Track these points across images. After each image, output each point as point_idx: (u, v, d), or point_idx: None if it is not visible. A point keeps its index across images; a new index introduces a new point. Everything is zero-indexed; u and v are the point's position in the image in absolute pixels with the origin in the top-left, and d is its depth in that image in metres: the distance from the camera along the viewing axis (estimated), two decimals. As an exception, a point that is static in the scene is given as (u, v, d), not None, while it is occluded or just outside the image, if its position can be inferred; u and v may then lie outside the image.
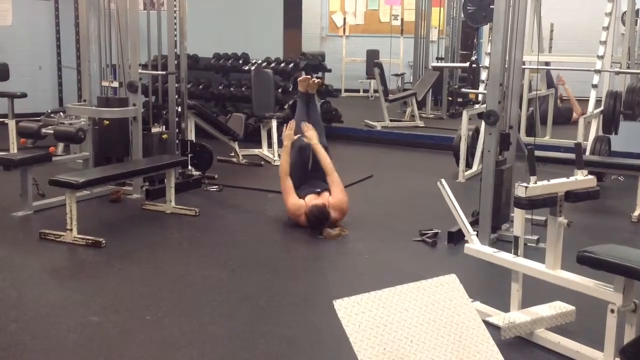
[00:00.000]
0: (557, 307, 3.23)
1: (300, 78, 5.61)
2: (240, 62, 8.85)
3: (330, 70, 9.77)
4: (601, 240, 3.29)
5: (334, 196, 4.84)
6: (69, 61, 9.69)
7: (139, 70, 5.71)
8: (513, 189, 3.39)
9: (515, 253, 3.26)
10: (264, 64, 8.72)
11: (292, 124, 5.18)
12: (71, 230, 4.38)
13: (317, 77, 5.68)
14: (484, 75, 7.33)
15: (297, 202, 4.80)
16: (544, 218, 3.38)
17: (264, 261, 4.26)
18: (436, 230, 4.69)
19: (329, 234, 4.61)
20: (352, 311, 2.15)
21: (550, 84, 9.33)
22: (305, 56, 9.39)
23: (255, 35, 9.88)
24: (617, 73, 7.43)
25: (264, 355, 2.99)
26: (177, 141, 5.97)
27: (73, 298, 3.61)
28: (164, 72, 6.01)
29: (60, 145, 6.74)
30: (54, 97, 9.77)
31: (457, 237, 4.47)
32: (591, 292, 2.85)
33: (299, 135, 5.11)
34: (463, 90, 10.18)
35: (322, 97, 8.80)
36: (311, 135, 5.08)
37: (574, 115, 10.07)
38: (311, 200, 4.80)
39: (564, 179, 3.12)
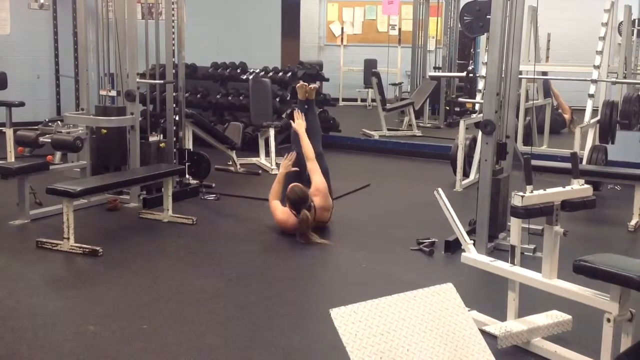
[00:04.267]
0: (553, 316, 3.23)
1: (297, 85, 5.65)
2: (238, 71, 8.87)
3: (328, 80, 9.79)
4: (598, 249, 3.31)
5: (314, 181, 4.93)
6: (67, 70, 9.69)
7: (137, 79, 5.72)
8: (510, 198, 3.40)
9: (512, 262, 3.27)
10: (262, 73, 8.74)
11: (292, 155, 5.22)
12: (68, 239, 4.38)
13: (314, 84, 5.71)
14: (481, 84, 7.35)
15: (284, 210, 4.85)
16: (540, 227, 3.39)
17: (261, 270, 4.26)
18: (433, 239, 4.69)
19: (308, 239, 4.64)
20: (349, 320, 2.15)
21: (547, 93, 9.36)
22: (303, 65, 9.42)
23: (254, 45, 9.91)
24: (614, 83, 7.47)
25: (261, 364, 2.99)
26: (174, 150, 5.97)
27: (70, 307, 3.60)
28: (162, 81, 6.02)
29: (58, 154, 6.74)
30: (52, 105, 9.77)
31: (454, 246, 4.48)
32: (587, 301, 2.85)
33: (296, 169, 5.16)
34: (460, 99, 10.22)
35: (319, 106, 8.82)
36: (299, 124, 5.24)
37: (566, 116, 10.14)
38: None
39: (560, 188, 3.13)
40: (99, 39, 5.83)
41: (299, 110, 5.38)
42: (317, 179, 4.97)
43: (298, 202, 4.73)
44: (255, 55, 9.40)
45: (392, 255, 4.56)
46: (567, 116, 10.23)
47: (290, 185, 4.86)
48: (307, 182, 5.05)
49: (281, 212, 4.88)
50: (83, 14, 5.76)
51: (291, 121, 5.40)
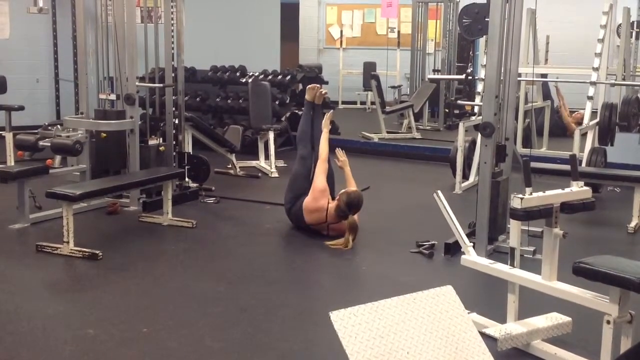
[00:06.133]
0: (553, 319, 3.23)
1: (309, 86, 5.64)
2: (238, 74, 8.88)
3: (327, 82, 9.78)
4: (597, 251, 3.31)
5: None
6: (67, 74, 9.69)
7: (137, 83, 5.73)
8: (509, 200, 3.40)
9: (512, 264, 3.27)
10: (262, 76, 8.75)
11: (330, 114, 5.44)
12: (68, 242, 4.38)
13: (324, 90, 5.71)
14: (480, 87, 7.35)
15: (325, 185, 4.96)
16: (540, 229, 3.40)
17: (261, 273, 4.26)
18: (433, 242, 4.69)
19: (337, 243, 4.68)
20: (349, 322, 2.15)
21: (546, 95, 9.36)
22: (303, 68, 9.42)
23: (253, 48, 9.92)
24: (613, 85, 7.47)
25: (261, 367, 2.99)
26: (174, 153, 5.98)
27: (69, 311, 3.60)
28: (162, 85, 6.03)
29: (58, 158, 6.74)
30: (51, 109, 9.77)
31: (453, 249, 4.48)
32: (587, 303, 2.85)
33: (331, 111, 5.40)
34: (459, 102, 10.21)
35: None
36: (345, 162, 5.32)
37: (568, 133, 10.10)
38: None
39: (559, 190, 3.13)
40: (98, 42, 5.84)
41: (340, 150, 5.43)
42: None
43: (354, 206, 4.78)
44: (254, 58, 9.41)
45: (392, 258, 4.56)
46: (568, 133, 10.15)
47: (351, 191, 4.86)
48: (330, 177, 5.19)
49: (322, 185, 4.96)
50: (82, 18, 5.76)
51: (337, 159, 5.35)
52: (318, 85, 5.61)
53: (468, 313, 2.50)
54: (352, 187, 5.11)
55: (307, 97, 5.54)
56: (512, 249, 3.29)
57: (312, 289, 4.07)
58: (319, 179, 4.99)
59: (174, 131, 5.98)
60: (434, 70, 11.74)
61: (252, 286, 4.00)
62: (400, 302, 2.30)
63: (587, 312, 2.89)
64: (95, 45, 5.87)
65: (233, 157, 7.10)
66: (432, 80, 11.10)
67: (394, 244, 4.83)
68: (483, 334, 2.81)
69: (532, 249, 4.42)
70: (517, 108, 6.68)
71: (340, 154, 5.36)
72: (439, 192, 3.50)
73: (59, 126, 6.70)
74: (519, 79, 5.70)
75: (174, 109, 5.98)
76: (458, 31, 10.56)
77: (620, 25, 8.51)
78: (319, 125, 5.44)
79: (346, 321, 2.15)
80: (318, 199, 4.90)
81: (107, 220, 5.35)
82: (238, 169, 7.13)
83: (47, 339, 3.22)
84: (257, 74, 8.81)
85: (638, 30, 8.46)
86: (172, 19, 6.00)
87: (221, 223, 5.44)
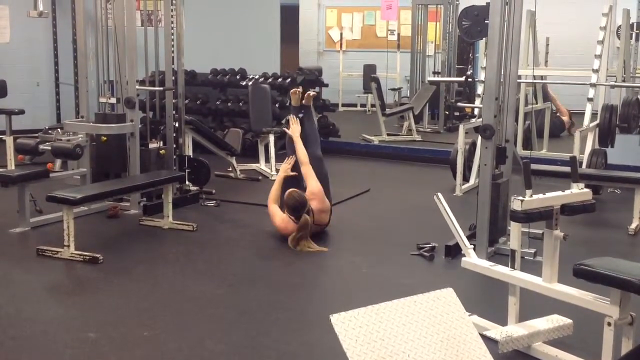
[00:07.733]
0: (554, 321, 3.23)
1: (291, 91, 5.66)
2: (238, 77, 8.88)
3: (327, 85, 9.81)
4: (598, 253, 3.31)
5: (309, 185, 4.94)
6: (67, 77, 9.70)
7: (137, 86, 5.73)
8: (510, 202, 3.40)
9: (512, 266, 3.27)
10: (261, 79, 8.75)
11: (292, 159, 5.24)
12: (68, 246, 4.38)
13: (313, 91, 5.70)
14: (480, 89, 7.35)
15: (283, 217, 4.85)
16: (540, 231, 3.40)
17: (261, 276, 4.26)
18: (433, 244, 4.69)
19: (302, 246, 4.64)
20: (349, 325, 2.15)
21: (546, 97, 9.37)
22: (303, 71, 9.43)
23: (253, 51, 9.92)
24: (613, 86, 7.47)
25: (262, 370, 2.99)
26: (174, 156, 5.98)
27: (70, 314, 3.60)
28: (162, 88, 6.03)
29: (58, 162, 6.74)
30: (51, 113, 9.77)
31: (454, 251, 4.48)
32: (588, 305, 2.85)
33: (295, 174, 5.18)
34: (459, 104, 10.23)
35: (319, 112, 8.84)
36: (294, 129, 5.25)
37: (564, 119, 10.15)
38: None
39: (559, 192, 3.13)
40: (98, 46, 5.84)
41: (294, 116, 5.38)
42: (312, 183, 4.98)
43: (297, 207, 4.74)
44: (254, 61, 9.41)
45: (393, 260, 4.56)
46: (565, 118, 10.25)
47: (288, 191, 4.87)
48: (304, 188, 5.05)
49: (280, 220, 4.87)
50: (82, 22, 5.77)
51: (285, 129, 5.38)
52: (299, 89, 5.64)
53: (469, 315, 2.49)
54: (302, 153, 5.11)
55: (292, 102, 5.56)
56: (513, 251, 3.28)
57: (313, 292, 4.07)
58: (277, 220, 4.87)
59: (174, 134, 5.98)
60: (434, 73, 11.74)
61: (252, 289, 4.00)
62: (401, 305, 2.30)
63: (588, 314, 2.89)
64: (96, 49, 5.87)
65: (233, 160, 7.10)
66: (432, 83, 11.10)
67: (394, 246, 4.83)
68: (484, 337, 2.80)
69: (532, 251, 4.42)
70: (517, 110, 6.69)
71: (293, 120, 5.33)
72: (439, 194, 3.51)
73: (59, 130, 6.70)
74: (518, 81, 5.71)
75: (174, 112, 5.99)
76: (458, 33, 10.58)
77: (620, 26, 8.52)
78: (310, 128, 5.44)
79: (347, 324, 2.15)
80: (286, 231, 4.80)
81: (108, 224, 5.35)
82: (238, 172, 7.13)
83: (48, 342, 3.22)
84: (257, 76, 8.82)
85: (638, 31, 8.47)
86: (172, 22, 6.00)
87: (222, 226, 5.44)
